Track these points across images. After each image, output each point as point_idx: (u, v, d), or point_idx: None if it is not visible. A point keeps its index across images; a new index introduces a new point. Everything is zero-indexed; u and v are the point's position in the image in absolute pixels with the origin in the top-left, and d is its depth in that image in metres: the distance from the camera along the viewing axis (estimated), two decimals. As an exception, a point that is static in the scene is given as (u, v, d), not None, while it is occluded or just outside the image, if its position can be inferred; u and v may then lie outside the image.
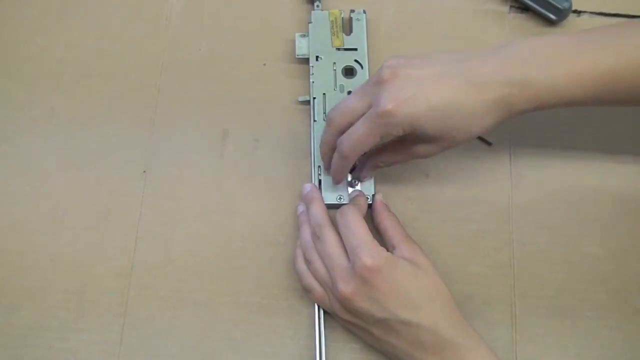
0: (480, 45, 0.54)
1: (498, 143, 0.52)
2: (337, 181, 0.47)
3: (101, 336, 0.47)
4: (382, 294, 0.41)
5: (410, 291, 0.41)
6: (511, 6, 0.56)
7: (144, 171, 0.51)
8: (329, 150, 0.46)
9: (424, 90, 0.39)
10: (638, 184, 0.50)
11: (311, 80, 0.51)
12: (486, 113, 0.40)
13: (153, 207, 0.50)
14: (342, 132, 0.43)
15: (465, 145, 0.51)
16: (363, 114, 0.42)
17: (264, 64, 0.54)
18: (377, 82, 0.41)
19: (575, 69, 0.39)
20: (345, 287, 0.41)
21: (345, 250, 0.43)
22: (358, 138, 0.42)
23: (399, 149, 0.45)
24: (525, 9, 0.56)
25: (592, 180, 0.51)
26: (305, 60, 0.53)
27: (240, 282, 0.48)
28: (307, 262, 0.45)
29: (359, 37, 0.53)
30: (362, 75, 0.52)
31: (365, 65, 0.52)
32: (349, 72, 0.52)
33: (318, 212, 0.46)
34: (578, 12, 0.56)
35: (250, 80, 0.54)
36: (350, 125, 0.42)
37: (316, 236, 0.45)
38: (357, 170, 0.48)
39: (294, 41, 0.53)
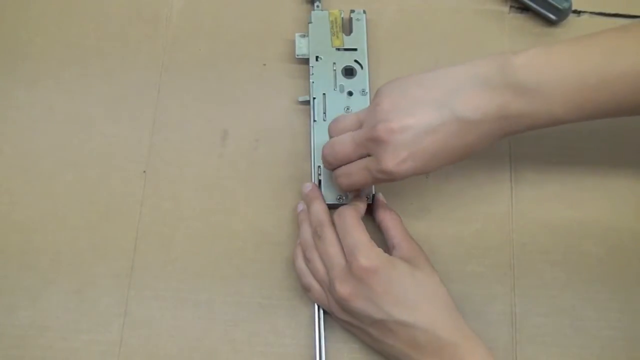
0: (480, 46, 0.55)
1: (498, 143, 0.52)
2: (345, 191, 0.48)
3: (101, 336, 0.47)
4: (379, 295, 0.41)
5: (407, 292, 0.41)
6: (511, 6, 0.56)
7: (144, 171, 0.51)
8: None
9: (422, 145, 0.40)
10: (638, 184, 0.50)
11: (311, 81, 0.51)
12: (481, 142, 0.41)
13: (153, 207, 0.50)
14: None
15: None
16: (359, 158, 0.43)
17: (264, 64, 0.54)
18: (374, 139, 0.41)
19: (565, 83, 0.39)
20: (343, 288, 0.42)
21: (344, 251, 0.43)
22: (357, 182, 0.43)
23: None
24: (525, 9, 0.56)
25: (592, 180, 0.51)
26: (305, 61, 0.53)
27: (240, 282, 0.48)
28: (307, 260, 0.45)
29: (358, 37, 0.53)
30: (362, 76, 0.52)
31: (365, 65, 0.52)
32: (348, 72, 0.52)
33: (319, 211, 0.46)
34: (578, 12, 0.56)
35: (250, 81, 0.54)
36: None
37: (317, 235, 0.45)
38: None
39: (294, 41, 0.53)
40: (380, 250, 0.42)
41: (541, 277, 0.48)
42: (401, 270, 0.42)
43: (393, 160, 0.40)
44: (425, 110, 0.40)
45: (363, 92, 0.51)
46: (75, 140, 0.52)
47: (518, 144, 0.52)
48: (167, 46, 0.55)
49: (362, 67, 0.52)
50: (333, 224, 0.45)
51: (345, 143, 0.43)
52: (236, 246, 0.49)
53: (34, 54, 0.54)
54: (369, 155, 0.42)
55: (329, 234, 0.44)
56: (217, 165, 0.51)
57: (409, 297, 0.41)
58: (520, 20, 0.56)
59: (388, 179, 0.41)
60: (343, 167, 0.44)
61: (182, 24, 0.55)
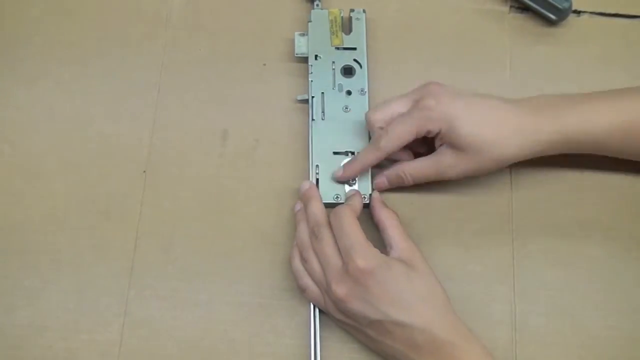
0: (480, 46, 0.55)
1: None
2: (352, 173, 0.48)
3: (101, 336, 0.47)
4: (375, 296, 0.41)
5: (403, 292, 0.41)
6: (511, 6, 0.56)
7: (144, 171, 0.51)
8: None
9: (467, 97, 0.44)
10: (638, 185, 0.50)
11: (310, 79, 0.51)
12: (516, 133, 0.44)
13: (153, 207, 0.50)
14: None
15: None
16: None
17: (264, 64, 0.54)
18: (422, 87, 0.46)
19: (585, 120, 0.44)
20: (339, 289, 0.42)
21: (340, 252, 0.43)
22: (400, 131, 0.44)
23: (429, 161, 0.46)
24: (525, 8, 0.56)
25: (592, 181, 0.50)
26: (305, 60, 0.53)
27: (239, 282, 0.48)
28: (304, 261, 0.45)
29: (358, 37, 0.53)
30: (361, 75, 0.52)
31: (364, 65, 0.52)
32: (347, 71, 0.52)
33: (317, 210, 0.46)
34: (578, 12, 0.56)
35: (250, 80, 0.54)
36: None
37: (314, 235, 0.44)
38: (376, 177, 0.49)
39: (293, 40, 0.53)
40: (376, 251, 0.43)
41: (541, 277, 0.48)
42: (397, 270, 0.42)
43: (435, 98, 0.44)
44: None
45: (362, 91, 0.51)
46: (75, 140, 0.52)
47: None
48: (167, 46, 0.55)
49: (361, 67, 0.52)
50: (330, 224, 0.45)
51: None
52: (236, 246, 0.49)
53: (33, 53, 0.54)
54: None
55: (325, 234, 0.44)
56: (217, 165, 0.51)
57: (405, 297, 0.41)
58: (520, 20, 0.56)
59: (426, 121, 0.44)
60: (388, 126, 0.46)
61: (182, 24, 0.55)
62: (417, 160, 0.47)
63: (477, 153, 0.44)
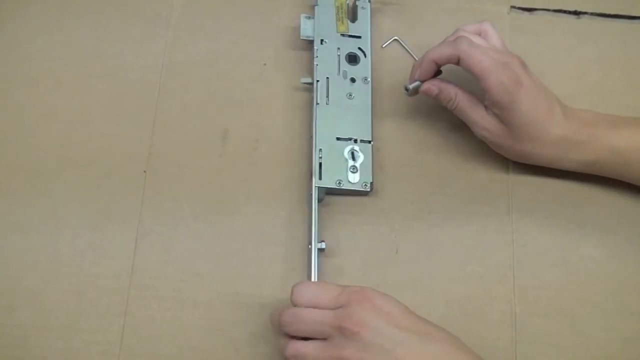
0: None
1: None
2: (423, 70, 0.48)
3: (101, 336, 0.47)
4: (387, 310, 0.39)
5: (396, 304, 0.40)
6: (511, 6, 0.56)
7: (144, 171, 0.51)
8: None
9: (537, 90, 0.45)
10: (637, 186, 0.50)
11: (315, 63, 0.51)
12: (555, 143, 0.45)
13: (153, 207, 0.50)
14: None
15: (464, 146, 0.52)
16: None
17: (264, 64, 0.54)
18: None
19: (637, 138, 0.46)
20: (351, 313, 0.39)
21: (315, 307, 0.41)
22: (479, 57, 0.44)
23: (478, 106, 0.47)
24: (529, 8, 0.56)
25: (591, 182, 0.51)
26: (306, 59, 0.53)
27: (240, 282, 0.48)
28: (291, 357, 0.40)
29: (363, 26, 0.53)
30: (365, 64, 0.51)
31: (369, 54, 0.52)
32: (352, 59, 0.51)
33: (275, 313, 0.43)
34: (578, 14, 0.56)
35: (251, 80, 0.54)
36: None
37: (287, 322, 0.41)
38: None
39: (296, 28, 0.53)
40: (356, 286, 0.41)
41: (540, 278, 0.48)
42: (377, 293, 0.40)
43: (517, 73, 0.44)
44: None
45: (365, 80, 0.51)
46: (75, 140, 0.52)
47: (518, 145, 0.52)
48: (167, 46, 0.55)
49: (365, 56, 0.52)
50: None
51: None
52: (236, 246, 0.49)
53: (34, 53, 0.54)
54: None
55: (295, 310, 0.41)
56: (218, 165, 0.51)
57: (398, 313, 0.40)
58: (519, 20, 0.56)
59: (505, 76, 0.44)
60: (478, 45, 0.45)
61: (182, 24, 0.55)
62: (473, 99, 0.47)
63: (515, 139, 0.46)
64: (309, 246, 0.47)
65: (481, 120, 0.46)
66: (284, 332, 0.41)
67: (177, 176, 0.51)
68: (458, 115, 0.48)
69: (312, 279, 0.46)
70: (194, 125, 0.52)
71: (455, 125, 0.52)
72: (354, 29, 0.53)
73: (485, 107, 0.46)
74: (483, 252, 0.49)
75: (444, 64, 0.47)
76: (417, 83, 0.48)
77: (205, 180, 0.51)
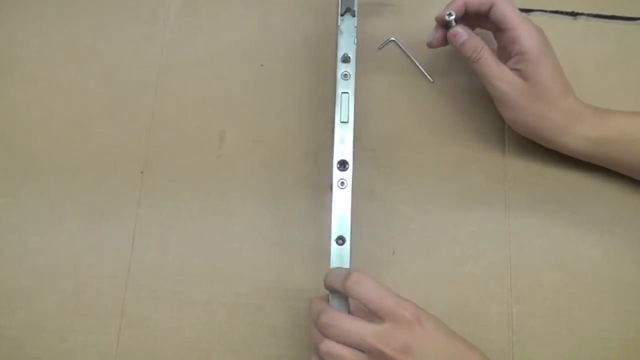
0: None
1: (496, 146, 0.52)
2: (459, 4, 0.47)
3: (98, 337, 0.47)
4: (428, 346, 0.39)
5: (450, 339, 0.40)
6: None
7: (142, 172, 0.51)
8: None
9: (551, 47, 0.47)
10: (634, 187, 0.50)
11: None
12: (568, 113, 0.46)
13: (150, 208, 0.50)
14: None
15: (463, 147, 0.52)
16: None
17: (261, 65, 0.54)
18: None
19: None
20: (394, 344, 0.38)
21: (364, 320, 0.39)
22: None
23: (501, 65, 0.47)
24: (526, 9, 0.56)
25: (589, 183, 0.51)
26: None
27: (237, 283, 0.48)
28: (324, 355, 0.39)
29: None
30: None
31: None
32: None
33: (316, 301, 0.42)
34: (575, 14, 0.56)
35: (248, 81, 0.54)
36: None
37: (324, 325, 0.39)
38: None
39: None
40: (410, 301, 0.40)
41: (537, 279, 0.49)
42: (437, 320, 0.40)
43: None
44: None
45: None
46: (72, 141, 0.52)
47: (514, 146, 0.52)
48: (165, 46, 0.55)
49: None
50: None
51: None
52: (233, 247, 0.49)
53: (30, 54, 0.54)
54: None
55: (336, 315, 0.40)
56: (215, 166, 0.51)
57: (453, 347, 0.40)
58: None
59: (537, 37, 0.46)
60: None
61: (179, 25, 0.55)
62: (495, 57, 0.47)
63: (535, 96, 0.46)
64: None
65: (504, 74, 0.46)
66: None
67: (174, 177, 0.51)
68: (477, 71, 0.47)
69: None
70: (191, 126, 0.52)
71: (453, 126, 0.52)
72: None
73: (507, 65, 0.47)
74: (480, 253, 0.49)
75: (474, 9, 0.47)
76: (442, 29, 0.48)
77: (202, 181, 0.51)
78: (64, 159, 0.51)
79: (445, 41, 0.49)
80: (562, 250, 0.49)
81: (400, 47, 0.55)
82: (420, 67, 0.54)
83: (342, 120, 0.44)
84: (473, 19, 0.48)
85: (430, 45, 0.50)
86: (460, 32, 0.47)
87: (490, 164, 0.51)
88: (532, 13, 0.56)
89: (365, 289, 0.39)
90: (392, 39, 0.55)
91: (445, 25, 0.48)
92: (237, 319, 0.47)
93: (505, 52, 0.47)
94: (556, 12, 0.56)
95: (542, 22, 0.55)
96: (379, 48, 0.55)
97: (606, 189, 0.51)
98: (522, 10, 0.55)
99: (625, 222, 0.50)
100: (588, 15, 0.56)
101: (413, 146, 0.52)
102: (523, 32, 0.45)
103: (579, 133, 0.47)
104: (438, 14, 0.48)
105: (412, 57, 0.55)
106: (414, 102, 0.53)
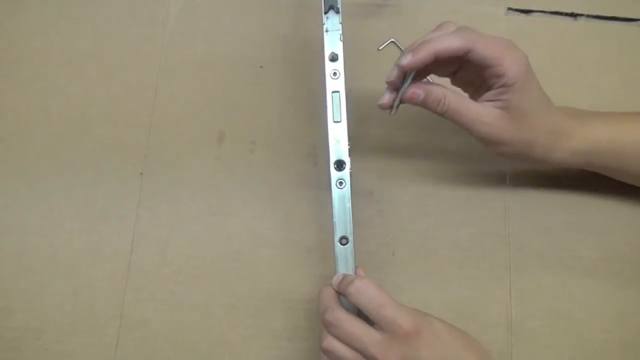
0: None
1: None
2: (417, 59, 0.41)
3: (97, 339, 0.47)
4: (426, 356, 0.39)
5: (449, 347, 0.40)
6: (508, 8, 0.56)
7: (141, 173, 0.51)
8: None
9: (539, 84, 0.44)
10: (633, 189, 0.50)
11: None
12: (551, 131, 0.44)
13: (150, 210, 0.50)
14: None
15: (461, 149, 0.51)
16: None
17: (261, 66, 0.54)
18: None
19: (625, 128, 0.45)
20: (391, 358, 0.38)
21: (368, 325, 0.40)
22: (490, 41, 0.41)
23: (471, 104, 0.43)
24: (526, 10, 0.56)
25: (588, 185, 0.51)
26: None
27: (236, 284, 0.48)
28: (325, 352, 0.40)
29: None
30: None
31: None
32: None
33: (326, 295, 0.42)
34: (575, 15, 0.56)
35: (247, 83, 0.54)
36: None
37: (329, 322, 0.40)
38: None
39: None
40: (412, 309, 0.40)
41: (537, 280, 0.49)
42: (437, 325, 0.40)
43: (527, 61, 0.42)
44: None
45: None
46: (71, 142, 0.52)
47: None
48: (164, 48, 0.55)
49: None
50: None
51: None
52: (232, 249, 0.49)
53: (30, 55, 0.54)
54: None
55: (343, 316, 0.40)
56: (214, 168, 0.51)
57: (453, 350, 0.40)
58: (516, 21, 0.56)
59: (517, 66, 0.41)
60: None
61: (179, 26, 0.55)
62: (463, 97, 0.43)
63: (521, 127, 0.43)
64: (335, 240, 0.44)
65: (479, 116, 0.43)
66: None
67: (173, 178, 0.51)
68: (450, 119, 0.43)
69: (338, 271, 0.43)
70: (191, 128, 0.52)
71: (452, 128, 0.52)
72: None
73: (482, 101, 0.43)
74: (479, 255, 0.49)
75: (447, 57, 0.41)
76: (397, 97, 0.43)
77: (202, 182, 0.51)
78: (63, 160, 0.51)
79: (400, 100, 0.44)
80: (561, 252, 0.49)
81: (400, 48, 0.55)
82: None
83: (335, 120, 0.44)
84: (427, 66, 0.43)
85: (383, 107, 0.44)
86: (417, 92, 0.43)
87: (490, 165, 0.51)
88: (532, 14, 0.56)
89: (365, 298, 0.39)
90: (392, 40, 0.55)
91: (397, 84, 0.43)
92: (236, 321, 0.47)
93: (484, 83, 0.43)
94: (556, 12, 0.56)
95: (542, 23, 0.56)
96: (379, 49, 0.55)
97: (606, 190, 0.51)
98: (522, 11, 0.56)
99: (625, 224, 0.50)
100: (588, 16, 0.56)
101: (413, 148, 0.52)
102: (508, 64, 0.41)
103: (567, 149, 0.45)
104: (389, 75, 0.43)
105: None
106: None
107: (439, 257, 0.49)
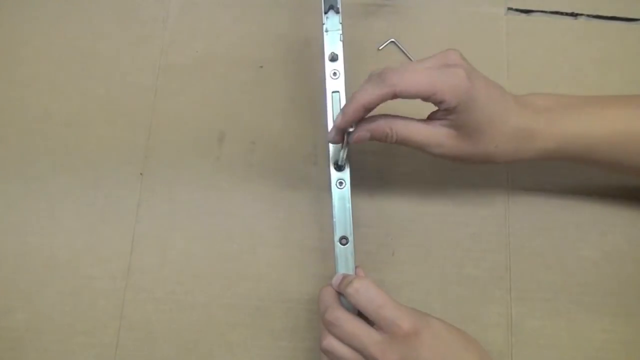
0: (477, 48, 0.55)
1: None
2: (352, 114, 0.40)
3: (97, 339, 0.47)
4: (425, 356, 0.39)
5: (449, 346, 0.40)
6: (508, 8, 0.56)
7: (141, 173, 0.51)
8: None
9: (489, 87, 0.41)
10: (634, 188, 0.50)
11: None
12: (514, 137, 0.42)
13: (150, 210, 0.50)
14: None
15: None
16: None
17: (261, 66, 0.54)
18: (449, 56, 0.41)
19: (595, 120, 0.43)
20: (391, 356, 0.38)
21: (368, 325, 0.40)
22: (419, 79, 0.39)
23: (420, 127, 0.42)
24: (526, 10, 0.56)
25: (588, 184, 0.51)
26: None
27: (236, 284, 0.48)
28: (325, 352, 0.40)
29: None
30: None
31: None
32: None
33: (325, 295, 0.42)
34: (575, 15, 0.56)
35: (247, 83, 0.54)
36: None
37: (329, 322, 0.40)
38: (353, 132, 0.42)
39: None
40: (412, 309, 0.40)
41: (537, 280, 0.48)
42: (437, 325, 0.40)
43: (469, 74, 0.39)
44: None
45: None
46: (71, 142, 0.52)
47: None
48: (164, 48, 0.55)
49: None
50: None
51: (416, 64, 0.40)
52: (232, 249, 0.49)
53: (30, 55, 0.54)
54: None
55: (342, 316, 0.40)
56: (214, 168, 0.51)
57: (452, 349, 0.40)
58: (517, 21, 0.56)
59: (452, 93, 0.39)
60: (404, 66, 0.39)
61: (179, 26, 0.55)
62: (410, 122, 0.42)
63: (474, 143, 0.41)
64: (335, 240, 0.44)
65: (430, 139, 0.41)
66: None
67: (173, 178, 0.51)
68: (403, 145, 0.42)
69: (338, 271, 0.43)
70: (191, 128, 0.52)
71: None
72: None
73: (431, 120, 0.42)
74: (479, 255, 0.49)
75: (377, 106, 0.40)
76: (345, 146, 0.43)
77: (202, 182, 0.51)
78: (63, 160, 0.51)
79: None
80: (562, 251, 0.49)
81: (400, 48, 0.55)
82: (420, 68, 0.54)
83: (334, 120, 0.44)
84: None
85: (334, 142, 0.43)
86: (362, 135, 0.42)
87: (490, 165, 0.51)
88: (532, 13, 0.56)
89: (364, 298, 0.39)
90: (392, 40, 0.55)
91: (340, 139, 0.43)
92: (236, 320, 0.47)
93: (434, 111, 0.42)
94: (556, 12, 0.56)
95: (542, 23, 0.56)
96: (379, 49, 0.55)
97: (606, 190, 0.51)
98: (522, 11, 0.56)
99: (626, 223, 0.50)
100: (588, 15, 0.56)
101: (412, 148, 0.52)
102: (442, 93, 0.39)
103: (532, 150, 0.43)
104: (331, 136, 0.42)
105: (411, 58, 0.55)
106: (413, 102, 0.52)
107: (439, 257, 0.49)
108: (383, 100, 0.40)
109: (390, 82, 0.39)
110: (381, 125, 0.41)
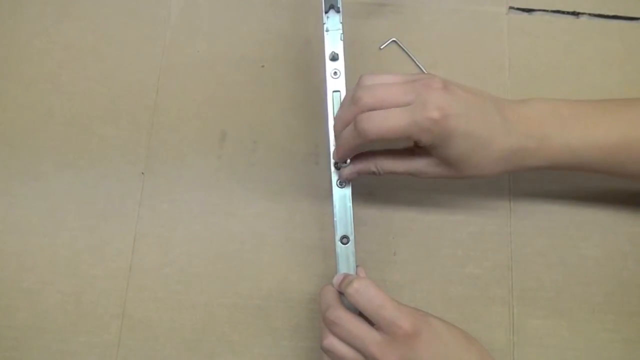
0: (479, 47, 0.55)
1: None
2: (340, 157, 0.43)
3: (99, 338, 0.47)
4: (426, 356, 0.39)
5: (448, 346, 0.40)
6: (510, 7, 0.56)
7: (143, 173, 0.51)
8: (343, 127, 0.42)
9: (469, 115, 0.40)
10: (636, 187, 0.50)
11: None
12: (501, 159, 0.41)
13: (151, 209, 0.50)
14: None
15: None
16: (397, 106, 0.40)
17: (262, 66, 0.54)
18: (426, 85, 0.40)
19: (590, 133, 0.42)
20: (391, 356, 0.38)
21: (369, 325, 0.40)
22: (389, 126, 0.39)
23: (403, 159, 0.43)
24: (527, 9, 0.56)
25: (590, 184, 0.50)
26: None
27: (238, 284, 0.48)
28: (325, 351, 0.40)
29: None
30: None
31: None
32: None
33: (327, 294, 0.42)
34: (577, 14, 0.56)
35: (249, 82, 0.54)
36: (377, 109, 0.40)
37: (330, 322, 0.40)
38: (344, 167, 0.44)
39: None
40: (412, 309, 0.40)
41: (539, 279, 0.48)
42: (437, 325, 0.40)
43: (442, 110, 0.38)
44: (477, 95, 0.41)
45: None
46: (73, 142, 0.52)
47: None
48: (166, 47, 0.55)
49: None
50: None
51: (391, 86, 0.40)
52: (234, 248, 0.49)
53: (32, 55, 0.54)
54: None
55: (343, 315, 0.40)
56: (216, 167, 0.51)
57: (452, 349, 0.40)
58: (518, 21, 0.56)
59: (424, 132, 0.39)
60: (373, 113, 0.40)
61: (181, 26, 0.55)
62: (394, 157, 0.43)
63: (459, 170, 0.42)
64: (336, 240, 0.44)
65: (414, 169, 0.43)
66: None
67: (175, 177, 0.51)
68: (392, 175, 0.44)
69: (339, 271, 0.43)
70: (192, 127, 0.52)
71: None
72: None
73: (415, 149, 0.43)
74: (481, 254, 0.49)
75: (356, 153, 0.43)
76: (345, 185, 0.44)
77: (203, 181, 0.51)
78: (65, 159, 0.51)
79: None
80: (564, 250, 0.49)
81: (401, 47, 0.55)
82: (421, 67, 0.54)
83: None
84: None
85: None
86: (349, 176, 0.44)
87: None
88: (534, 12, 0.56)
89: (364, 299, 0.39)
90: (393, 39, 0.55)
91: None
92: (238, 320, 0.47)
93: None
94: (558, 11, 0.56)
95: (543, 22, 0.56)
96: (380, 48, 0.55)
97: (608, 190, 0.50)
98: (524, 10, 0.56)
99: (628, 222, 0.50)
100: (590, 14, 0.56)
101: (414, 146, 0.52)
102: (417, 136, 0.39)
103: (523, 167, 0.43)
104: (334, 156, 0.44)
105: (413, 58, 0.55)
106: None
107: (440, 256, 0.49)
108: (359, 150, 0.43)
109: (362, 132, 0.40)
110: (367, 165, 0.44)
